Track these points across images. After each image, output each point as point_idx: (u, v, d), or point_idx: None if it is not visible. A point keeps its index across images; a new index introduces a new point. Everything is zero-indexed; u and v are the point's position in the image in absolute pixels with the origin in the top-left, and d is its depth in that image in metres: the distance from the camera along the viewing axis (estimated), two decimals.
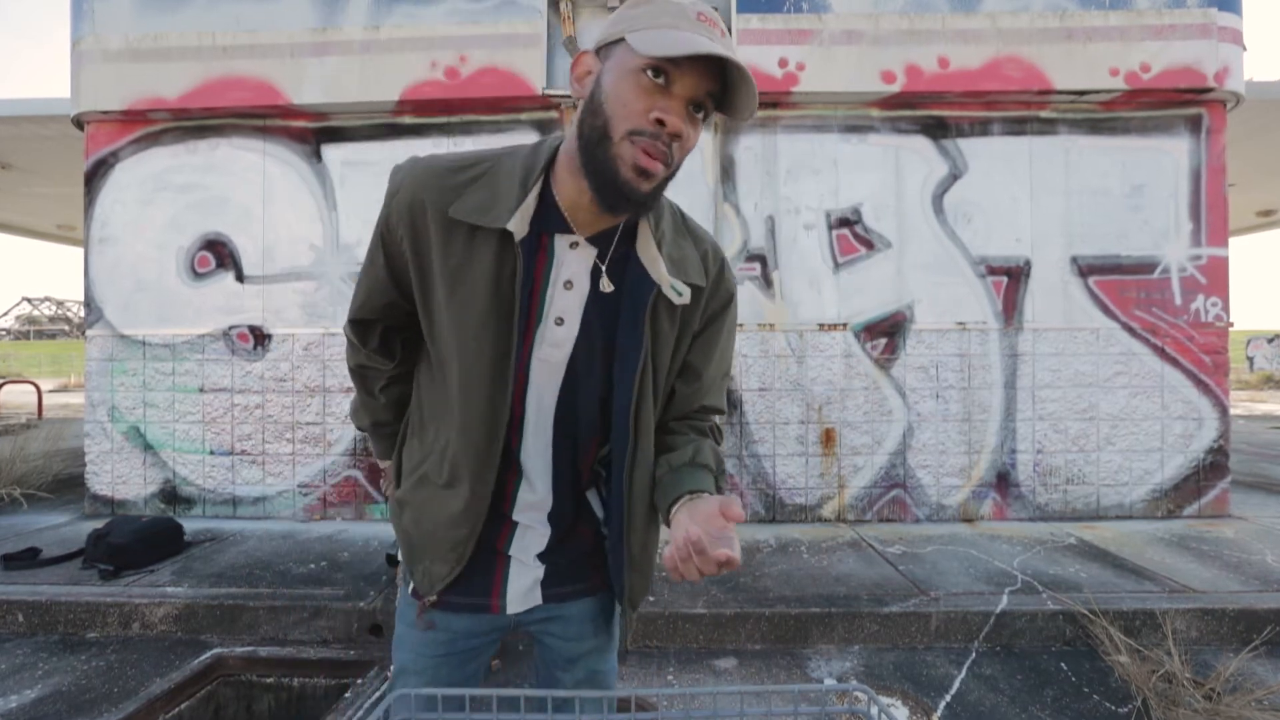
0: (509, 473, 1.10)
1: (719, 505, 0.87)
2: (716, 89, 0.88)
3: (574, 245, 1.01)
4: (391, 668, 1.24)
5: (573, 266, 1.01)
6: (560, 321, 1.02)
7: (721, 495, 0.97)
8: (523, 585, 1.13)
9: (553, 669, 1.22)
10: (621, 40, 0.89)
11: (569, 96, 4.75)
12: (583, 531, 1.17)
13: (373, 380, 1.21)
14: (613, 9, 4.76)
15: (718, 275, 1.10)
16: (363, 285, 1.12)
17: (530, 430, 1.08)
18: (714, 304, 1.10)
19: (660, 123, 0.86)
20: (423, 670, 1.17)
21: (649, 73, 0.86)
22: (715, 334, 1.12)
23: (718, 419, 1.18)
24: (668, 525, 1.00)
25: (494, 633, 1.19)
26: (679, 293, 1.01)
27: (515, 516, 1.12)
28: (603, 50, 0.93)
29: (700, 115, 0.90)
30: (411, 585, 1.19)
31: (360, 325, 1.16)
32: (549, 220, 0.99)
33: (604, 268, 1.02)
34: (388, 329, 1.15)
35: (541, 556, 1.14)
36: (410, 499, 1.13)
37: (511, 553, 1.13)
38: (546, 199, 0.99)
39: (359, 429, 1.30)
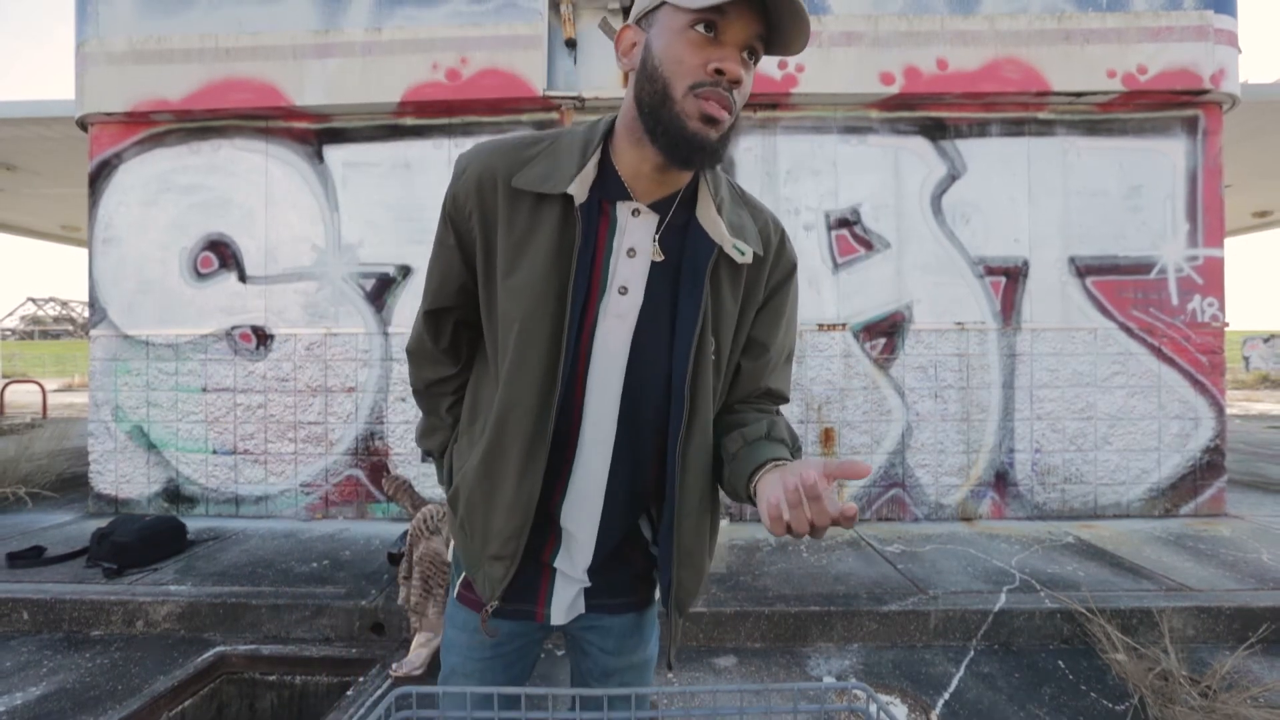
0: (563, 464, 1.05)
1: (823, 465, 0.79)
2: (764, 30, 0.88)
3: (636, 212, 1.00)
4: (440, 671, 1.23)
5: (635, 234, 1.00)
6: (624, 291, 1.00)
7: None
8: (567, 597, 1.12)
9: (587, 679, 1.22)
10: (662, 5, 0.90)
11: (570, 97, 4.78)
12: (630, 552, 1.15)
13: (438, 398, 1.19)
14: (614, 11, 4.79)
15: (779, 245, 1.07)
16: (435, 273, 1.10)
17: (591, 412, 1.03)
18: (777, 274, 1.08)
19: (719, 72, 0.86)
20: (471, 673, 1.16)
21: (699, 27, 0.86)
22: (780, 305, 1.10)
23: (783, 409, 1.14)
24: (749, 500, 0.95)
25: (538, 634, 1.19)
26: (741, 252, 0.99)
27: (564, 522, 1.09)
28: (644, 20, 0.94)
29: (752, 60, 0.90)
30: (457, 589, 1.18)
31: (434, 317, 1.13)
32: (609, 188, 1.00)
33: (657, 235, 1.00)
34: (458, 324, 1.13)
35: (589, 572, 1.11)
36: (462, 492, 1.10)
37: (557, 564, 1.11)
38: (606, 168, 1.00)
39: (426, 453, 1.25)
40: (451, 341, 1.15)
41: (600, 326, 1.00)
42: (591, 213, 0.98)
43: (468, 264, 1.06)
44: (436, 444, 1.21)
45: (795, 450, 1.02)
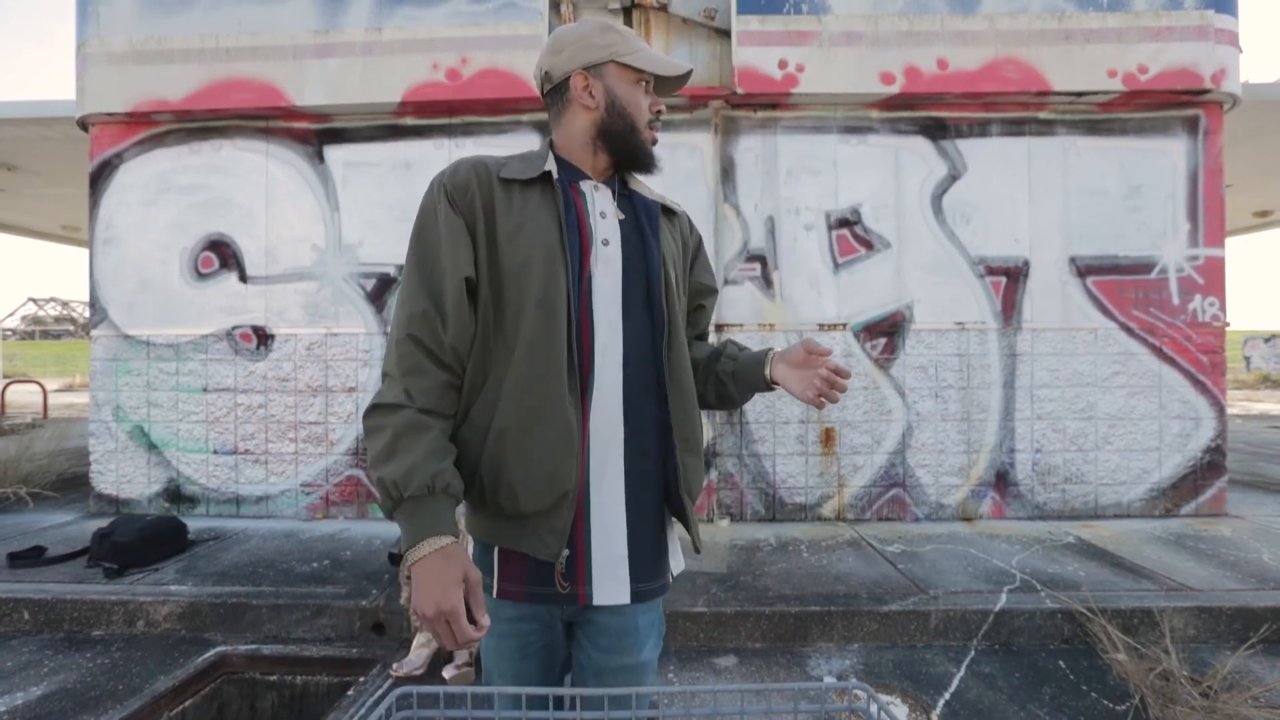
0: (583, 411, 1.17)
1: (805, 346, 1.22)
2: (673, 86, 1.34)
3: (596, 187, 1.29)
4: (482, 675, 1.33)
5: (601, 201, 1.28)
6: (606, 242, 1.24)
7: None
8: (608, 572, 1.18)
9: (583, 676, 1.24)
10: (608, 63, 1.25)
11: None
12: (652, 519, 1.24)
13: (429, 413, 1.12)
14: (613, 10, 4.80)
15: (688, 221, 1.45)
16: (448, 247, 1.15)
17: (600, 344, 1.20)
18: (694, 234, 1.45)
19: (659, 112, 1.31)
20: (505, 672, 1.22)
21: (644, 83, 1.28)
22: (706, 262, 1.47)
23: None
24: (769, 388, 1.29)
25: (555, 628, 1.22)
26: (676, 207, 1.39)
27: (591, 473, 1.18)
28: (592, 70, 1.25)
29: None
30: (495, 587, 1.19)
31: (461, 290, 1.15)
32: (571, 174, 1.29)
33: (614, 203, 1.30)
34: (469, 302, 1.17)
35: (626, 537, 1.20)
36: (486, 464, 1.14)
37: (592, 529, 1.18)
38: (563, 163, 1.29)
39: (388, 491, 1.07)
40: (472, 330, 1.17)
41: (595, 272, 1.22)
42: (565, 188, 1.26)
43: (473, 238, 1.19)
44: (439, 467, 1.07)
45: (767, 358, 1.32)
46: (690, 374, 1.29)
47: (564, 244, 1.18)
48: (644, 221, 1.28)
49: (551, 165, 1.24)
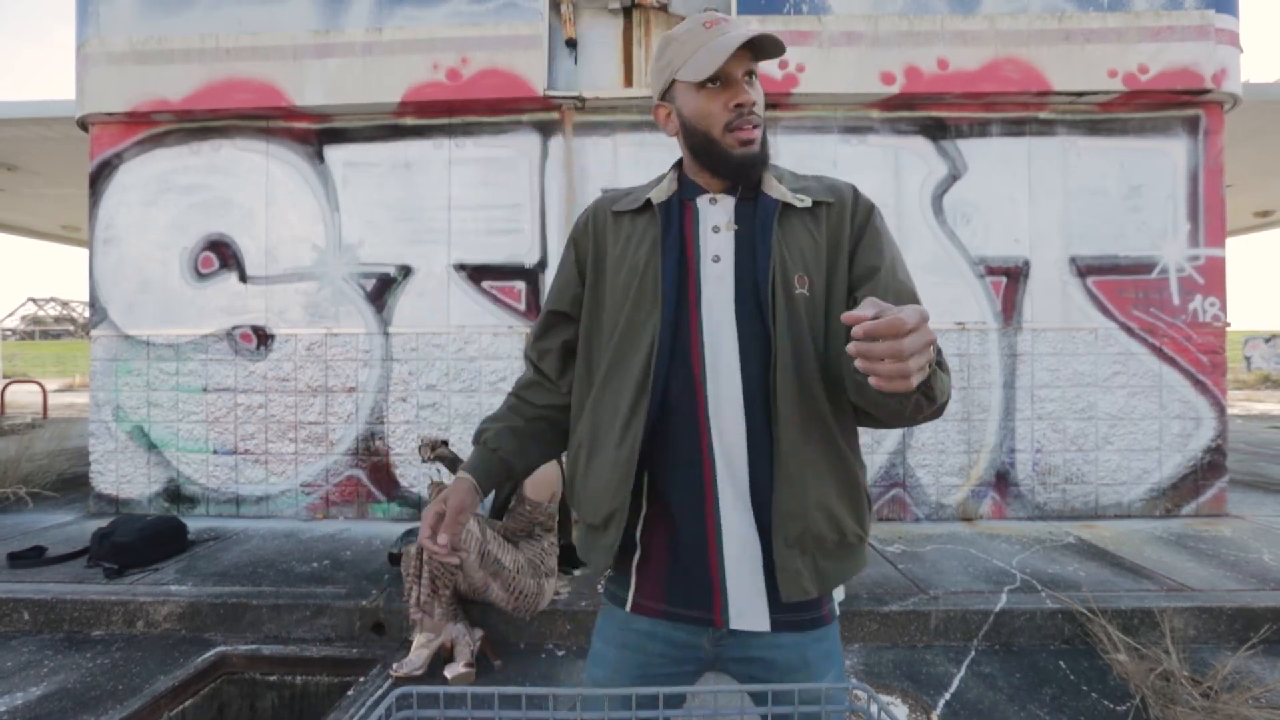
0: (699, 435, 1.14)
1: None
2: (750, 55, 1.13)
3: (713, 200, 1.21)
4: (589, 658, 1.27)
5: (716, 215, 1.20)
6: (717, 259, 1.17)
7: None
8: (744, 595, 1.12)
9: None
10: (673, 83, 1.18)
11: (570, 97, 4.78)
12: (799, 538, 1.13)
13: (524, 403, 1.34)
14: (613, 10, 4.80)
15: (853, 196, 1.22)
16: (557, 281, 1.34)
17: (711, 370, 1.14)
18: (859, 215, 1.21)
19: (739, 105, 1.13)
20: (623, 684, 1.17)
21: (708, 85, 1.14)
22: (874, 236, 1.20)
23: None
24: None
25: (698, 653, 1.18)
26: (801, 199, 1.18)
27: (721, 508, 1.13)
28: (666, 95, 1.21)
29: (750, 78, 1.15)
30: (630, 601, 1.20)
31: (551, 318, 1.33)
32: (688, 191, 1.23)
33: (731, 214, 1.20)
34: (564, 343, 1.33)
35: (763, 564, 1.12)
36: (572, 474, 1.26)
37: (724, 548, 1.13)
38: (684, 180, 1.25)
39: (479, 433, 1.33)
40: (561, 345, 1.33)
41: (704, 291, 1.16)
42: (672, 210, 1.22)
43: (581, 275, 1.29)
44: (493, 428, 1.32)
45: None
46: (819, 394, 1.13)
47: (658, 271, 1.16)
48: (758, 226, 1.17)
49: (658, 191, 1.23)
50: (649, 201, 1.22)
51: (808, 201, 1.18)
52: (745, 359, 1.13)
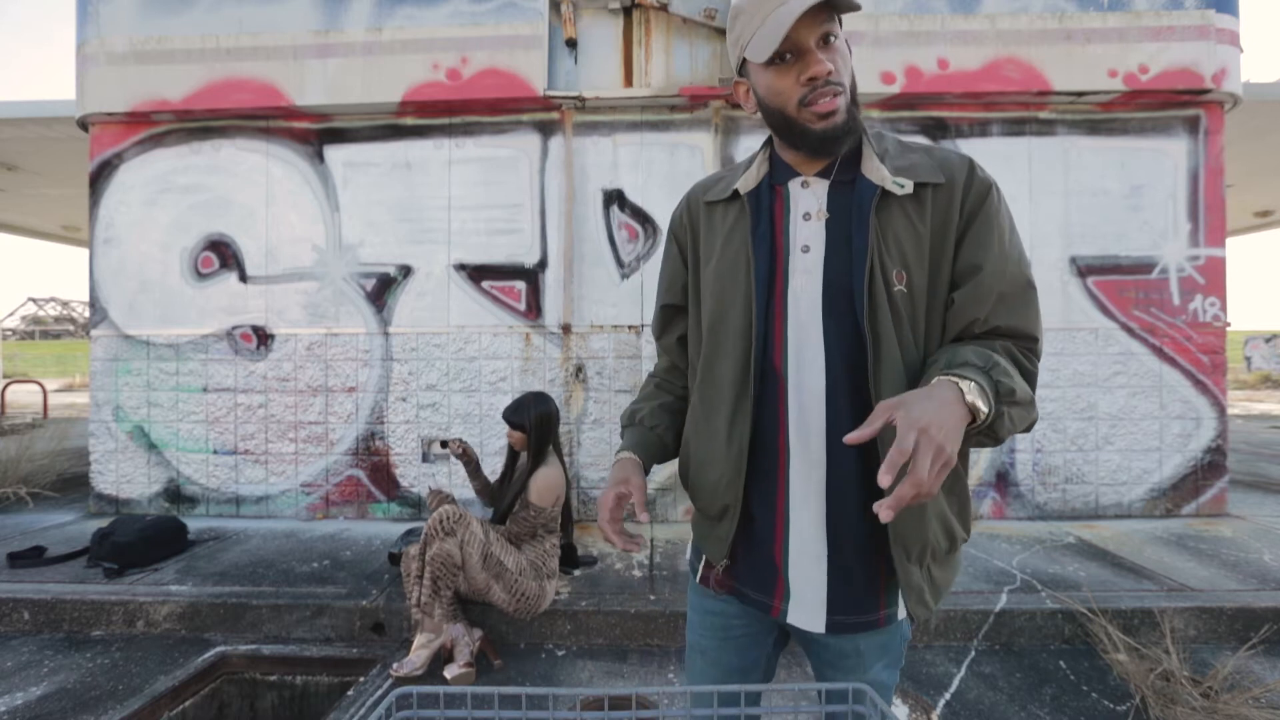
0: (778, 429, 1.12)
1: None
2: (824, 15, 1.01)
3: (805, 184, 1.14)
4: (686, 646, 1.34)
5: (808, 201, 1.13)
6: (806, 249, 1.11)
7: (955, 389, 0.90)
8: (805, 596, 1.13)
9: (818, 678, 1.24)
10: (745, 60, 1.09)
11: (570, 97, 4.78)
12: (867, 547, 1.11)
13: (652, 378, 1.39)
14: (613, 10, 4.80)
15: (968, 172, 1.09)
16: (664, 276, 1.34)
17: (794, 364, 1.11)
18: (970, 199, 1.09)
19: (812, 79, 1.03)
20: (706, 650, 1.26)
21: (776, 62, 1.04)
22: (985, 225, 1.08)
23: (1020, 345, 1.06)
24: None
25: (772, 625, 1.24)
26: (900, 185, 1.06)
27: (791, 505, 1.12)
28: (742, 71, 1.14)
29: (825, 42, 1.03)
30: (699, 572, 1.27)
31: (665, 312, 1.35)
32: (779, 174, 1.17)
33: (824, 200, 1.12)
34: (681, 336, 1.33)
35: (827, 565, 1.12)
36: (685, 462, 1.26)
37: (790, 552, 1.13)
38: (775, 161, 1.18)
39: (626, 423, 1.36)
40: (681, 338, 1.33)
41: (792, 283, 1.11)
42: (762, 197, 1.16)
43: (686, 265, 1.29)
44: (646, 406, 1.33)
45: (988, 370, 0.96)
46: None
47: (749, 262, 1.13)
48: (854, 214, 1.09)
49: (747, 177, 1.18)
50: (737, 191, 1.18)
51: (909, 187, 1.06)
52: (831, 356, 1.09)
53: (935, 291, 1.08)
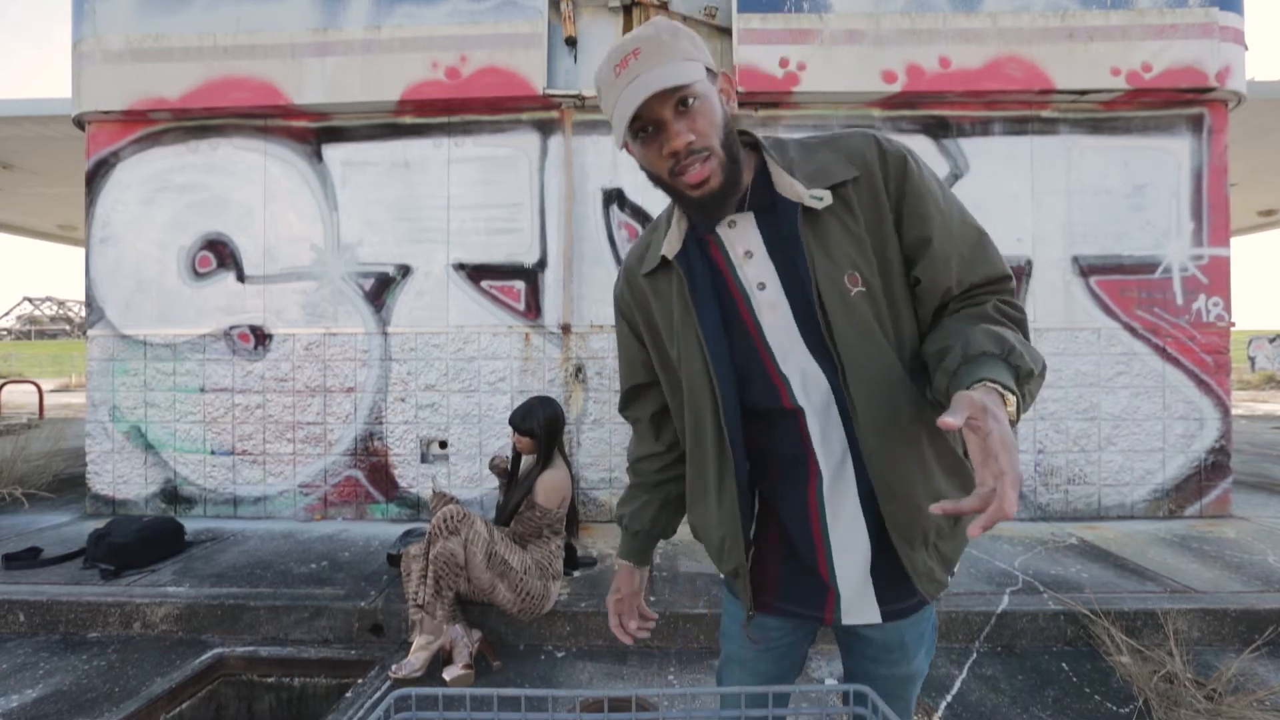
0: (808, 460, 1.14)
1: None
2: (669, 91, 0.97)
3: (732, 224, 1.11)
4: (720, 655, 1.38)
5: (742, 239, 1.11)
6: (763, 286, 1.10)
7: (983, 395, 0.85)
8: (855, 597, 1.17)
9: (853, 678, 1.29)
10: None
11: (570, 96, 4.77)
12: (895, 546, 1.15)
13: (640, 474, 1.39)
14: (613, 8, 4.79)
15: (878, 154, 1.07)
16: (623, 357, 1.34)
17: (801, 401, 1.12)
18: (892, 179, 1.07)
19: (673, 154, 1.00)
20: (745, 661, 1.29)
21: (640, 135, 1.02)
22: (916, 198, 1.07)
23: (998, 291, 1.07)
24: None
25: (811, 631, 1.30)
26: (818, 198, 1.04)
27: (828, 521, 1.14)
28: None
29: (683, 107, 0.99)
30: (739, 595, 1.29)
31: (631, 393, 1.35)
32: (701, 225, 1.14)
33: (756, 232, 1.10)
34: (659, 409, 1.33)
35: (870, 570, 1.15)
36: (695, 526, 1.28)
37: (836, 572, 1.16)
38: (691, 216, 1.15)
39: (619, 519, 1.42)
40: (651, 416, 1.34)
41: (764, 322, 1.11)
42: (691, 255, 1.14)
43: (642, 342, 1.28)
44: (628, 510, 1.39)
45: (1003, 355, 0.92)
46: (902, 388, 1.07)
47: (699, 332, 1.12)
48: (787, 239, 1.07)
49: (669, 241, 1.14)
50: (664, 258, 1.15)
51: (827, 198, 1.04)
52: (830, 374, 1.09)
53: (892, 280, 1.08)
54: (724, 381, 1.11)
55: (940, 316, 1.08)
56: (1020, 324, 1.02)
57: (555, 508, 3.17)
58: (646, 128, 1.00)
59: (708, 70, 1.03)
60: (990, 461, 0.78)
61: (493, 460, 3.63)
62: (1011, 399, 0.87)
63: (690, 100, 0.98)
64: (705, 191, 1.02)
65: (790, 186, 1.06)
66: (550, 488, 3.17)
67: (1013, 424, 0.86)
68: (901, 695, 1.26)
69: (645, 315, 1.23)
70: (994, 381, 0.87)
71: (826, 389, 1.10)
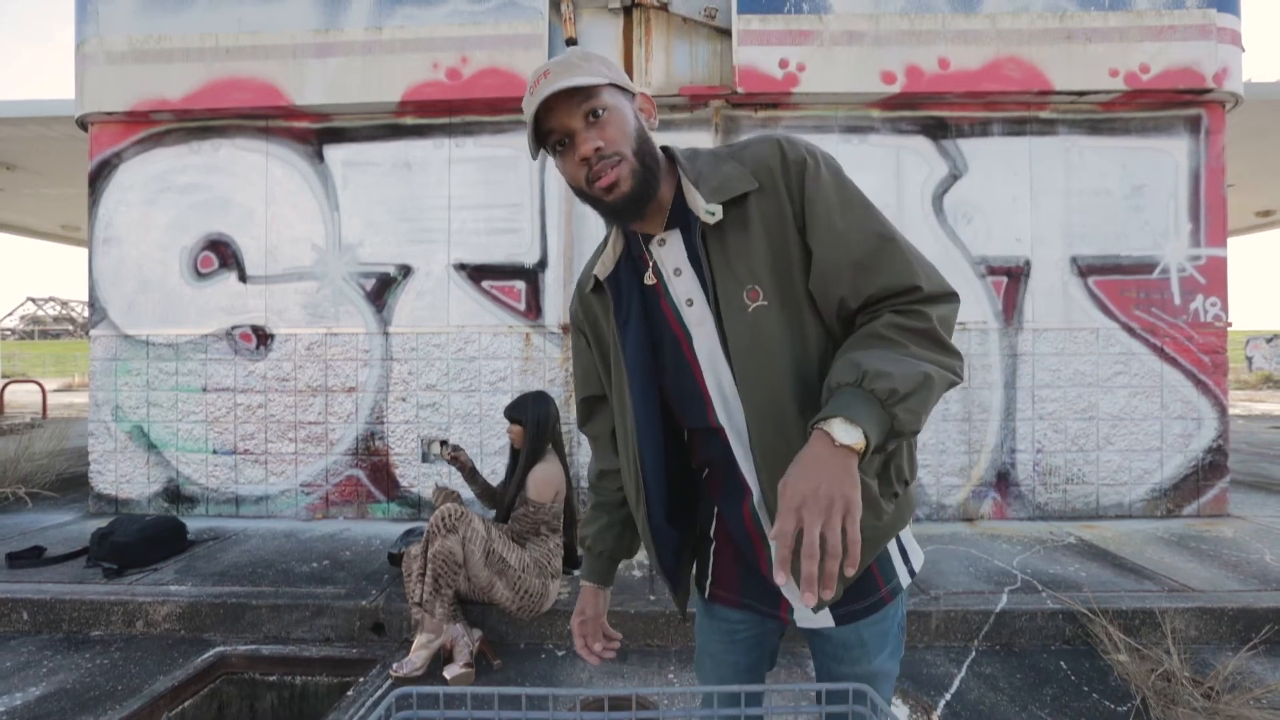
0: (744, 489, 1.14)
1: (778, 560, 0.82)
2: (580, 97, 1.00)
3: (661, 242, 1.12)
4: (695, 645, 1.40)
5: (671, 256, 1.11)
6: (690, 303, 1.10)
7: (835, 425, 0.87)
8: (799, 601, 1.14)
9: (820, 678, 1.27)
10: None
11: None
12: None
13: (601, 491, 1.38)
14: (613, 9, 4.79)
15: (780, 163, 1.05)
16: (577, 368, 1.34)
17: (721, 414, 1.12)
18: (794, 184, 1.05)
19: (584, 160, 1.02)
20: (715, 653, 1.30)
21: (558, 150, 1.04)
22: (811, 205, 1.03)
23: (902, 302, 1.00)
24: None
25: (778, 626, 1.27)
26: (711, 213, 1.03)
27: (762, 525, 1.14)
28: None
29: (594, 118, 1.02)
30: (706, 590, 1.30)
31: (585, 404, 1.35)
32: (635, 241, 1.15)
33: (683, 250, 1.11)
34: (602, 414, 1.33)
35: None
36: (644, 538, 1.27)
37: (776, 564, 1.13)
38: (627, 232, 1.17)
39: (581, 539, 1.43)
40: (611, 432, 1.32)
41: (694, 336, 1.11)
42: (622, 276, 1.16)
43: (595, 355, 1.28)
44: (590, 531, 1.38)
45: (860, 380, 0.90)
46: (796, 405, 1.04)
47: (620, 355, 1.15)
48: (699, 254, 1.07)
49: (603, 262, 1.17)
50: (597, 279, 1.17)
51: (718, 213, 1.03)
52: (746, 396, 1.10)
53: (796, 292, 1.05)
54: (640, 407, 1.13)
55: (851, 325, 1.05)
56: (923, 334, 0.96)
57: (549, 502, 3.18)
58: (563, 140, 1.03)
59: (623, 90, 1.06)
60: (780, 525, 0.82)
61: (444, 442, 3.38)
62: (851, 433, 0.86)
63: (600, 111, 1.01)
64: (617, 195, 1.02)
65: (695, 200, 1.06)
66: (541, 481, 3.17)
67: (866, 452, 0.87)
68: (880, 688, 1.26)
69: (594, 330, 1.24)
70: (835, 418, 0.87)
71: (739, 409, 1.09)
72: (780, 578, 0.80)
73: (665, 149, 1.14)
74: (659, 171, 1.07)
